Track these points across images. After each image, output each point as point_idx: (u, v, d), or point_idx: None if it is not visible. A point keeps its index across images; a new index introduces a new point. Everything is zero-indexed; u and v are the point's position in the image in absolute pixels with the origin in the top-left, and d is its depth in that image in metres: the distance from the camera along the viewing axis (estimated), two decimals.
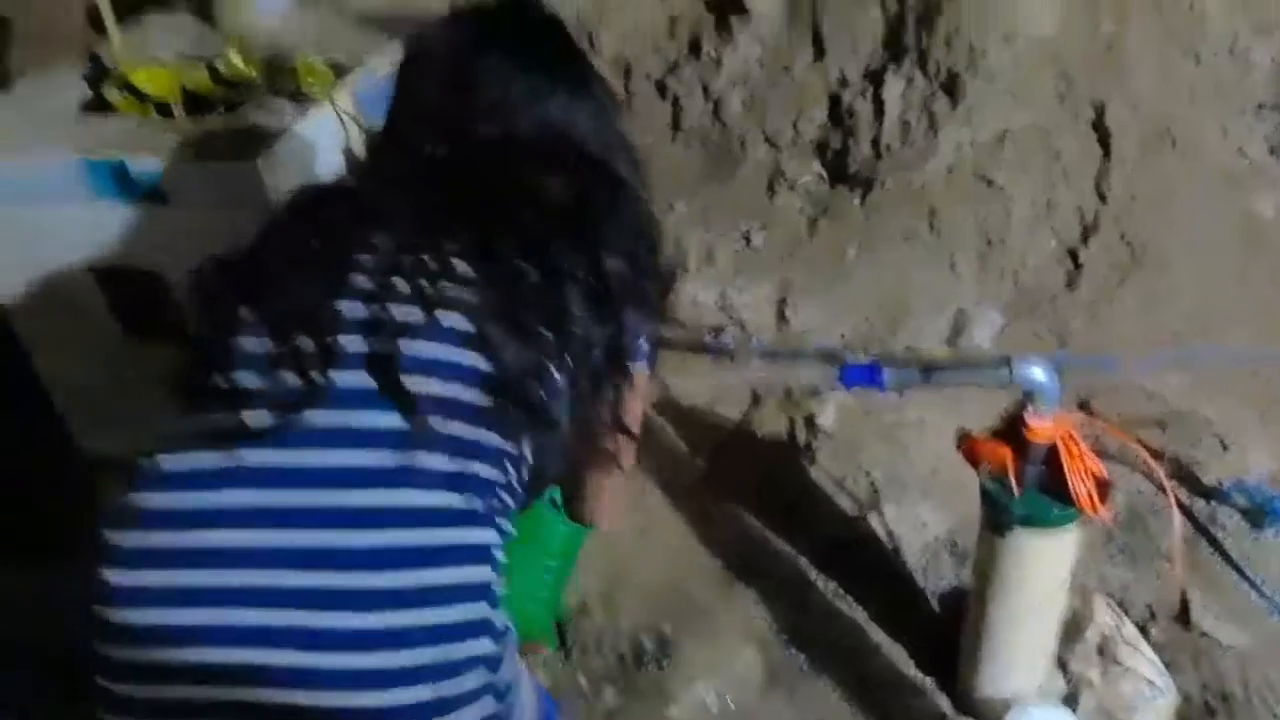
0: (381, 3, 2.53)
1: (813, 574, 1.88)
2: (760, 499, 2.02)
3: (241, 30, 2.08)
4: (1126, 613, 1.75)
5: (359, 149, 1.91)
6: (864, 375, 1.40)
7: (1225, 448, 1.91)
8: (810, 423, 2.14)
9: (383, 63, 2.02)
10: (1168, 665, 1.64)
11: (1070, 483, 1.38)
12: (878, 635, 1.77)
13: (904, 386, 1.39)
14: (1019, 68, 2.27)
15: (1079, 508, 1.38)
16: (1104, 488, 1.39)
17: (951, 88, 2.33)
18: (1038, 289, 2.24)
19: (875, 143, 2.44)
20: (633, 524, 1.97)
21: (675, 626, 1.78)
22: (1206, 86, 2.32)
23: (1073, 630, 1.65)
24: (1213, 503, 1.88)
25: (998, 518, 1.45)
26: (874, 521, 1.97)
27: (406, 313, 0.90)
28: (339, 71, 1.96)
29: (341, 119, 1.86)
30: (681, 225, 2.64)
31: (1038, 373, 1.36)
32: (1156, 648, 1.67)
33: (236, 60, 1.82)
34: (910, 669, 1.72)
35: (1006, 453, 1.43)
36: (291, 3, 2.22)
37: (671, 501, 2.02)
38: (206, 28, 2.13)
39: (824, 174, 2.55)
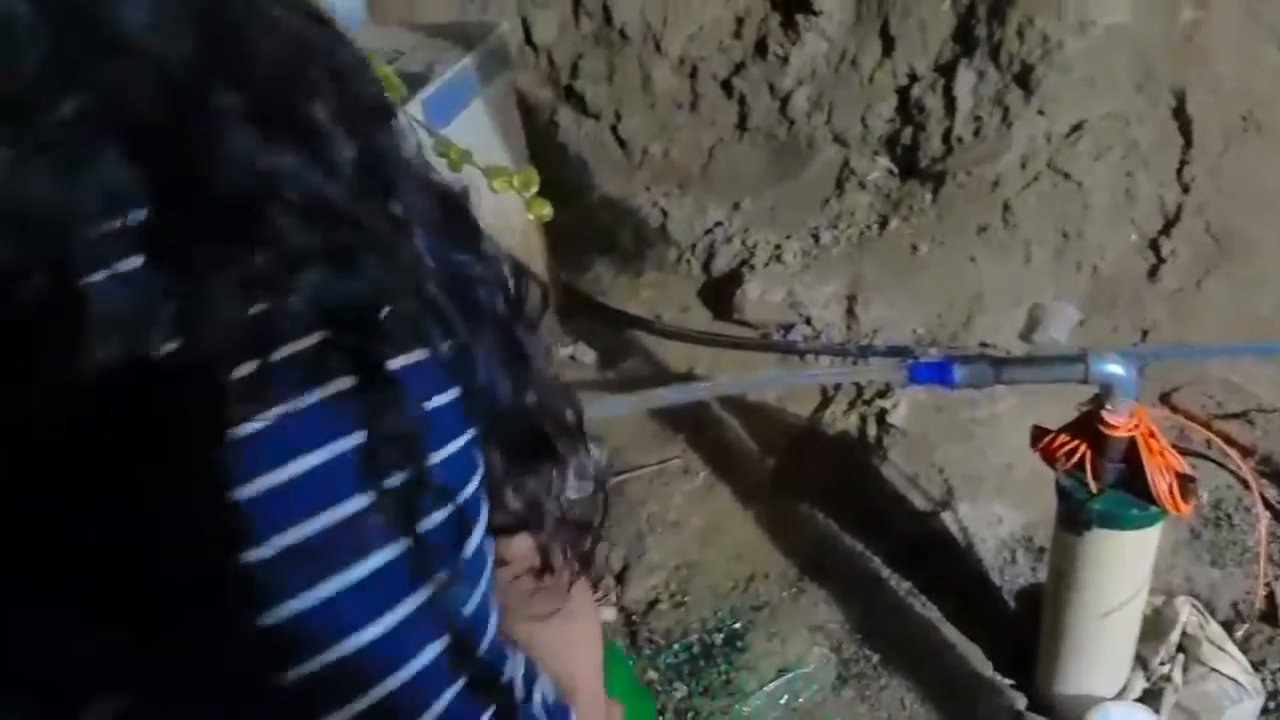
0: (449, 14, 2.59)
1: (885, 573, 1.87)
2: (831, 498, 2.01)
3: None
4: (1212, 612, 1.70)
5: (431, 155, 1.96)
6: (934, 373, 1.38)
7: None
8: (882, 420, 2.13)
9: (451, 72, 2.07)
10: (1254, 665, 1.59)
11: (1150, 479, 1.34)
12: (951, 634, 1.75)
13: (975, 384, 1.37)
14: (1094, 57, 2.22)
15: (1160, 505, 1.35)
16: (1186, 484, 1.36)
17: (1025, 79, 2.29)
18: (1117, 282, 2.20)
19: (946, 136, 2.41)
20: (702, 523, 1.98)
21: (745, 624, 1.78)
22: None
23: (1154, 629, 1.61)
24: None
25: (1075, 516, 1.42)
26: (948, 519, 1.94)
27: None
28: (410, 81, 2.01)
29: (414, 128, 1.92)
30: (749, 223, 2.64)
31: (1114, 367, 1.33)
32: (1243, 648, 1.62)
33: None
34: (985, 668, 1.70)
35: (1084, 449, 1.40)
36: (365, 15, 2.29)
37: (741, 501, 2.03)
38: None
39: (894, 169, 2.53)
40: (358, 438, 0.40)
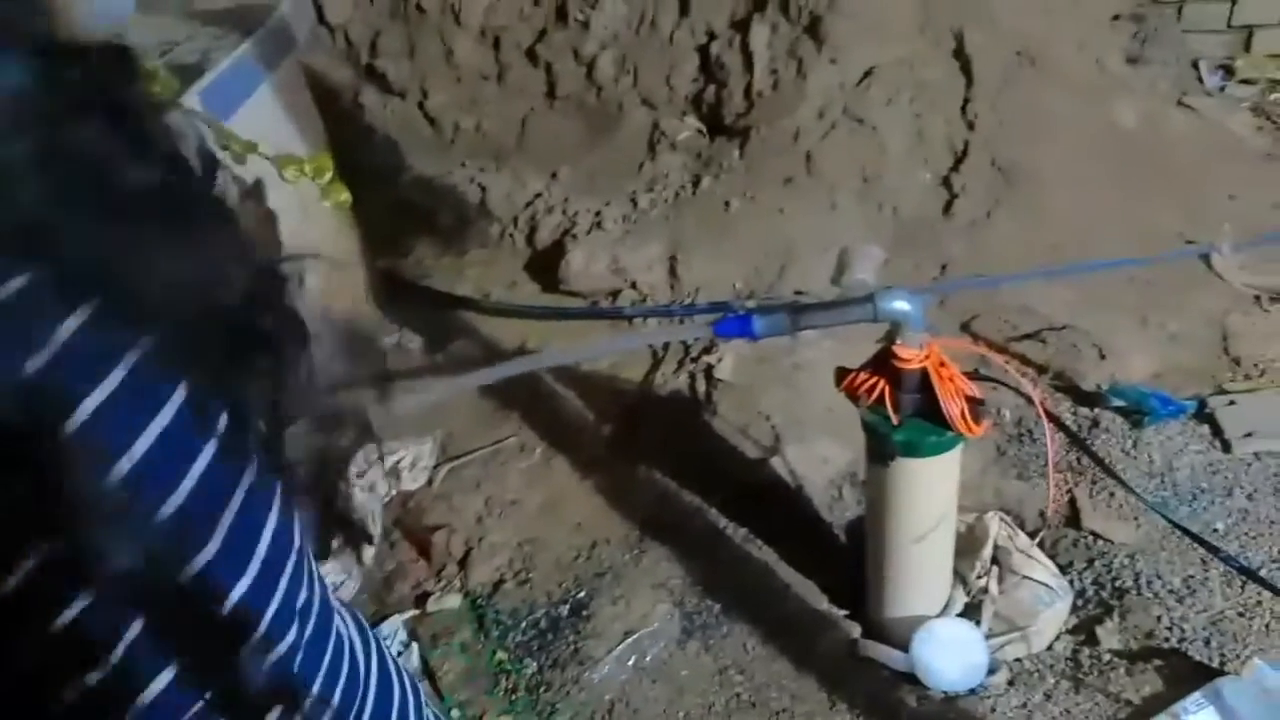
0: (228, 2, 2.46)
1: (722, 523, 1.91)
2: (667, 457, 2.04)
3: (85, 38, 2.01)
4: (1021, 523, 1.81)
5: (215, 149, 1.86)
6: (736, 326, 1.41)
7: (1103, 356, 1.97)
8: (709, 376, 2.17)
9: (229, 60, 1.97)
10: (1062, 569, 1.71)
11: (943, 406, 1.41)
12: (788, 574, 1.81)
13: (774, 333, 1.41)
14: (878, 3, 2.30)
15: (954, 430, 1.42)
16: (976, 406, 1.43)
17: (815, 29, 2.34)
18: (916, 220, 2.29)
19: (748, 92, 2.46)
20: (541, 498, 1.98)
21: (590, 592, 1.80)
22: (1061, 2, 2.37)
23: (968, 545, 1.70)
24: (1095, 409, 1.95)
25: (880, 449, 1.48)
26: (778, 464, 2.00)
27: None
28: (186, 74, 1.91)
29: (193, 121, 1.81)
30: (568, 192, 2.63)
31: (901, 303, 1.39)
32: (1050, 554, 1.73)
33: None
34: (821, 603, 1.76)
35: (882, 384, 1.46)
36: (135, 7, 2.15)
37: (579, 471, 2.03)
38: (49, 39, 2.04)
39: (702, 129, 2.56)
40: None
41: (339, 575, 1.85)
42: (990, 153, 2.29)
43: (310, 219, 2.17)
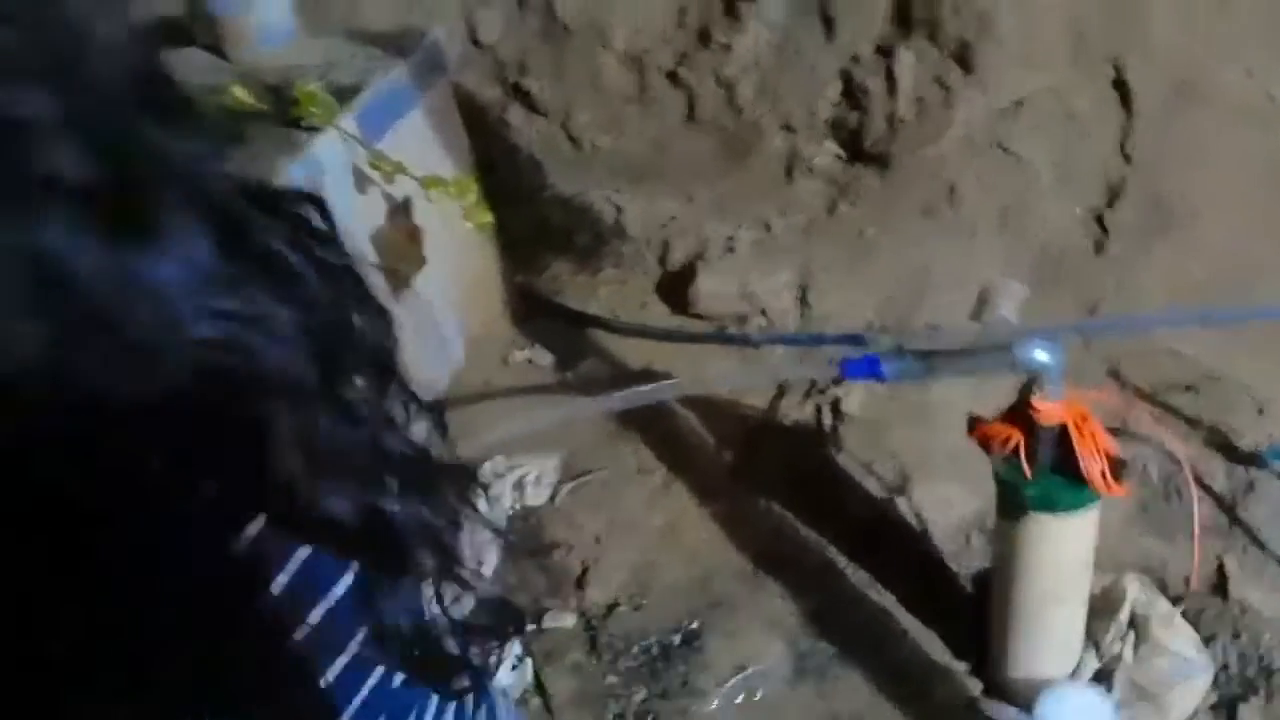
0: (390, 19, 2.57)
1: (841, 562, 1.88)
2: (787, 489, 2.02)
3: (249, 61, 2.13)
4: (1164, 587, 1.71)
5: (365, 168, 1.95)
6: (863, 368, 1.39)
7: (1261, 411, 1.85)
8: (836, 409, 2.13)
9: (384, 82, 2.06)
10: (1205, 640, 1.61)
11: (1082, 464, 1.35)
12: (907, 621, 1.76)
13: (904, 379, 1.38)
14: (1030, 31, 2.21)
15: (1092, 488, 1.35)
16: (1119, 466, 1.36)
17: (963, 57, 2.28)
18: (1063, 256, 2.20)
19: (890, 118, 2.40)
20: (659, 523, 1.99)
21: (703, 622, 1.79)
22: (1231, 33, 2.23)
23: (1104, 608, 1.62)
24: (1251, 469, 1.82)
25: (1011, 502, 1.43)
26: (903, 505, 1.95)
27: None
28: (344, 94, 2.00)
29: (346, 144, 1.90)
30: (702, 215, 2.63)
31: (1041, 354, 1.33)
32: (1192, 622, 1.63)
33: (240, 93, 1.87)
34: (941, 654, 1.71)
35: (1016, 436, 1.41)
36: (299, 29, 2.26)
37: (698, 497, 2.03)
38: (218, 61, 2.18)
39: (841, 154, 2.52)
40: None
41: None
42: (1146, 187, 2.18)
43: (452, 235, 2.24)
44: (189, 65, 2.17)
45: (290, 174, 1.75)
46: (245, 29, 2.13)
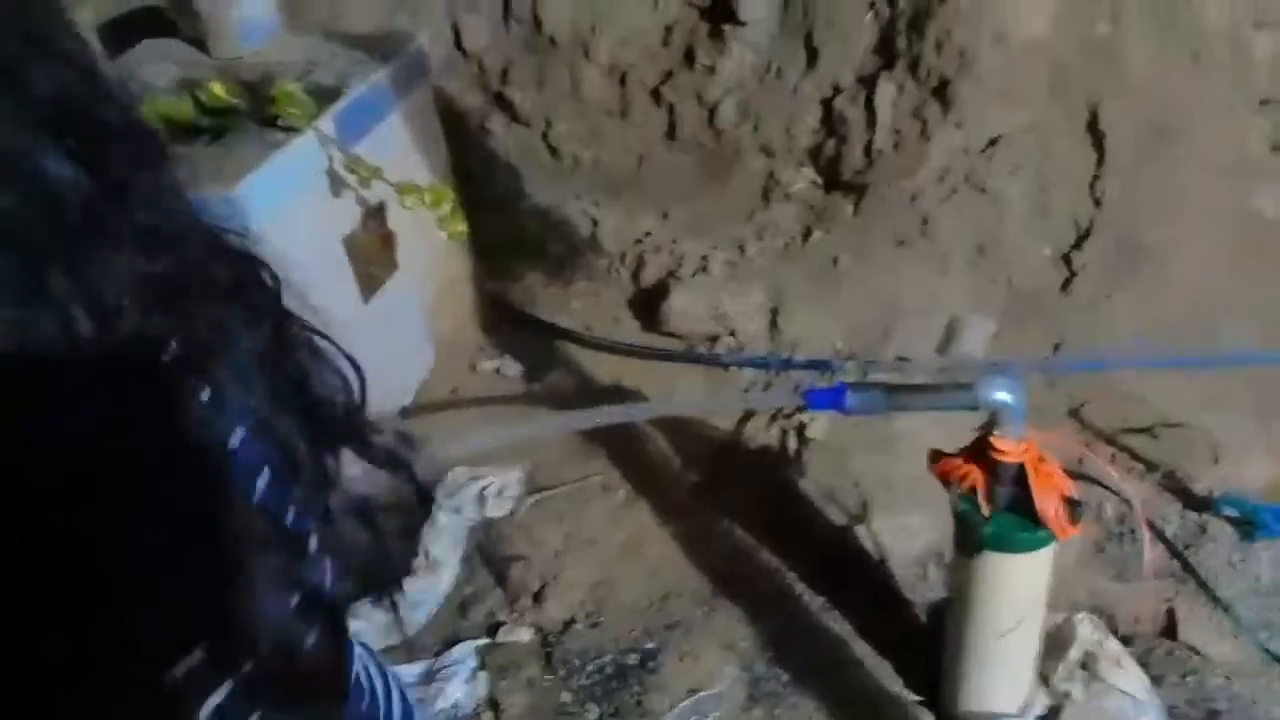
0: (373, 25, 2.56)
1: (800, 587, 1.88)
2: (750, 512, 2.02)
3: (230, 56, 2.12)
4: (1115, 627, 1.73)
5: (341, 171, 1.94)
6: (828, 399, 1.40)
7: (1218, 459, 1.88)
8: (801, 433, 2.14)
9: (364, 85, 2.05)
10: (1154, 680, 1.62)
11: (1038, 504, 1.36)
12: (863, 650, 1.77)
13: (867, 412, 1.39)
14: (1011, 70, 2.24)
15: (1048, 529, 1.37)
16: (1074, 508, 1.38)
17: (943, 93, 2.30)
18: (1031, 294, 2.22)
19: (868, 149, 2.42)
20: (620, 540, 1.98)
21: (659, 642, 1.79)
22: (1205, 83, 2.27)
23: (1055, 646, 1.63)
24: (1204, 514, 1.85)
25: (968, 539, 1.44)
26: (863, 533, 1.96)
27: None
28: (323, 95, 1.98)
29: (323, 146, 1.89)
30: (677, 233, 2.64)
31: (1003, 395, 1.35)
32: (1142, 663, 1.65)
33: (218, 89, 1.85)
34: (895, 685, 1.72)
35: (976, 473, 1.42)
36: (281, 27, 2.25)
37: (660, 515, 2.03)
38: (199, 54, 2.16)
39: (818, 181, 2.54)
40: None
41: (420, 595, 1.89)
42: (1117, 231, 2.21)
43: (425, 241, 2.23)
44: (169, 56, 2.15)
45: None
46: (228, 24, 2.11)
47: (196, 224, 0.47)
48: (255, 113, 1.89)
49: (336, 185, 1.95)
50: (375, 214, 2.09)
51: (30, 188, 0.37)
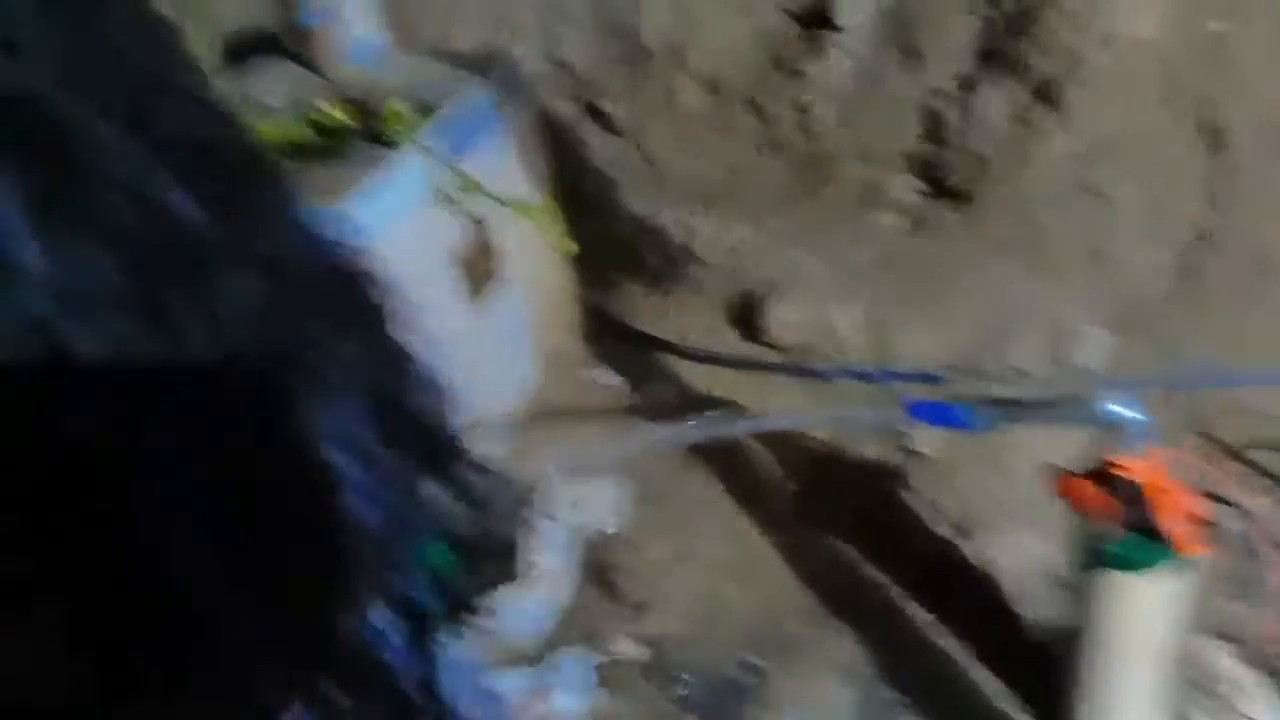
0: (474, 42, 2.61)
1: (908, 605, 1.85)
2: (854, 527, 2.00)
3: (339, 76, 2.18)
4: (1249, 654, 1.66)
5: (446, 186, 1.98)
6: (936, 414, 1.37)
7: None
8: (906, 446, 2.10)
9: (465, 100, 2.09)
10: None
11: (1163, 522, 1.32)
12: (977, 672, 1.73)
13: (977, 429, 1.35)
14: (1120, 71, 2.17)
15: (1173, 548, 1.32)
16: (1202, 526, 1.33)
17: (1049, 95, 2.24)
18: (1149, 303, 2.14)
19: (972, 154, 2.37)
20: (724, 554, 1.98)
21: (767, 660, 1.78)
22: None
23: (1184, 672, 1.57)
24: None
25: (1090, 559, 1.40)
26: (972, 550, 1.92)
27: None
28: (429, 112, 2.03)
29: (429, 162, 1.93)
30: (775, 242, 2.62)
31: (1123, 409, 1.30)
32: (1278, 689, 1.57)
33: (330, 108, 1.91)
34: (1009, 706, 1.67)
35: (1096, 491, 1.37)
36: (388, 46, 2.31)
37: (764, 531, 2.02)
38: (310, 74, 2.23)
39: (920, 188, 2.49)
40: None
41: (528, 606, 1.91)
42: (1239, 235, 2.12)
43: (527, 253, 2.27)
44: (281, 76, 2.22)
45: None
46: (338, 44, 2.17)
47: (311, 243, 0.49)
48: (364, 130, 1.95)
49: (442, 200, 1.99)
50: (479, 227, 2.13)
51: (153, 218, 0.38)
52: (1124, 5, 2.14)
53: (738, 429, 2.00)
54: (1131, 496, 1.34)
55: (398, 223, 1.85)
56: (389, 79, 2.17)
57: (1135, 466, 1.32)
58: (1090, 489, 1.37)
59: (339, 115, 1.92)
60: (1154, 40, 2.14)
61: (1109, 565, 1.37)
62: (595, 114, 2.94)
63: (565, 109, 2.95)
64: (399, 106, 1.94)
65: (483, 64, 2.24)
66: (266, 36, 2.41)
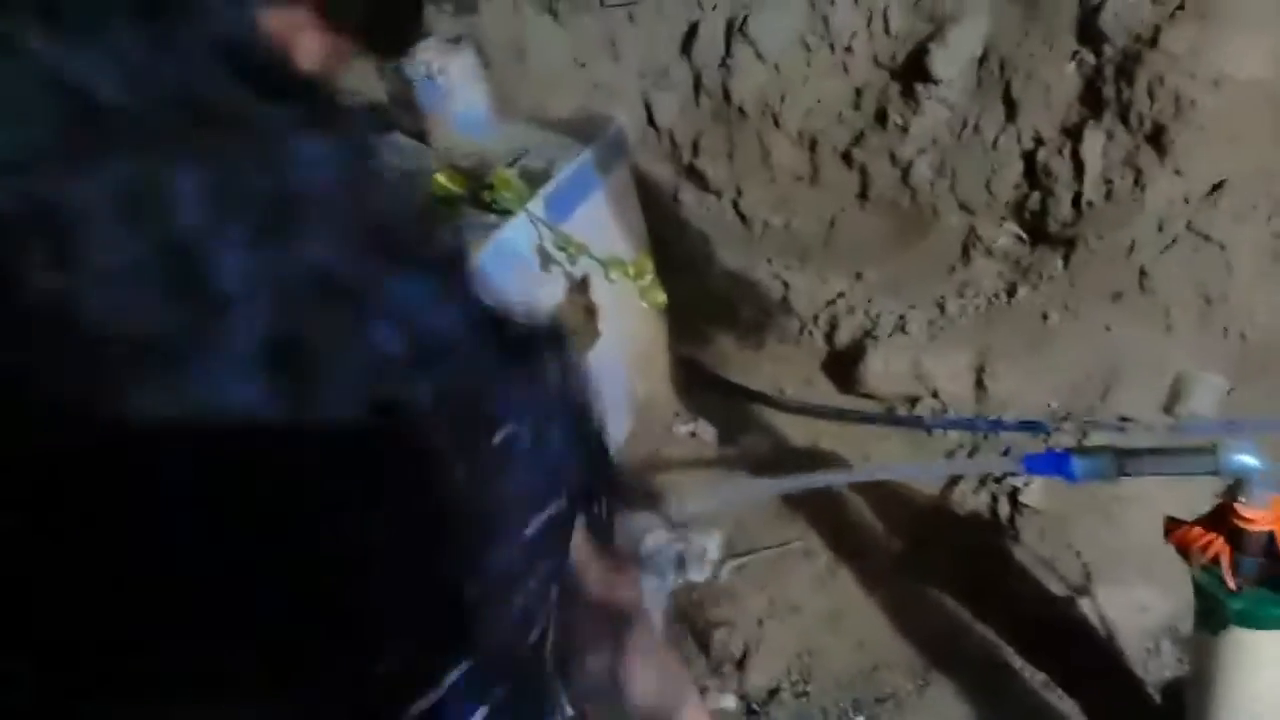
0: (574, 103, 2.70)
1: (1017, 663, 1.79)
2: (960, 582, 1.95)
3: (448, 145, 2.28)
4: None
5: (551, 249, 2.05)
6: (1050, 464, 1.34)
7: None
8: (1014, 499, 2.05)
9: (570, 167, 2.16)
10: None
11: None
12: None
13: (1095, 478, 1.32)
14: (1231, 113, 2.12)
15: None
16: None
17: (1158, 139, 2.20)
18: (1268, 347, 2.06)
19: (1076, 201, 2.34)
20: (824, 608, 1.96)
21: (869, 716, 1.74)
22: None
23: None
24: None
25: (1212, 615, 1.34)
26: (1086, 606, 1.85)
27: None
28: (533, 178, 2.11)
29: (535, 226, 2.01)
30: (872, 294, 2.62)
31: (1247, 458, 1.26)
32: None
33: (443, 179, 2.00)
34: None
35: (1219, 543, 1.32)
36: (492, 115, 2.41)
37: (865, 583, 1.99)
38: (420, 146, 2.34)
39: (1022, 236, 2.46)
40: None
41: None
42: None
43: (623, 309, 2.31)
44: (393, 150, 2.34)
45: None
46: (447, 117, 2.28)
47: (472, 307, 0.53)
48: (473, 198, 2.04)
49: (546, 262, 2.06)
50: (580, 287, 2.19)
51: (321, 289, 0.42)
52: (1232, 45, 2.10)
53: (837, 480, 1.99)
54: (1257, 548, 1.29)
55: (503, 284, 1.92)
56: (495, 148, 2.26)
57: (1261, 516, 1.27)
58: (1210, 540, 1.32)
59: (449, 184, 2.01)
60: (1264, 79, 2.09)
61: (1232, 622, 1.31)
62: (692, 174, 3.00)
63: (662, 170, 3.02)
64: (505, 174, 2.02)
65: (584, 130, 2.32)
66: (377, 112, 2.54)
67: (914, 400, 2.39)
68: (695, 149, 2.97)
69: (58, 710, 0.37)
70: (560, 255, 2.02)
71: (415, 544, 0.44)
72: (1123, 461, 1.32)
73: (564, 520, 0.54)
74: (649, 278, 2.03)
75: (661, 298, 2.09)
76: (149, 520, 0.37)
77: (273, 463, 0.39)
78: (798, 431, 2.42)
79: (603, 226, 2.23)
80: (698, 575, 2.10)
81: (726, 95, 2.90)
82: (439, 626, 0.45)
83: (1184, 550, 1.37)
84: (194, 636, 0.38)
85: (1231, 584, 1.30)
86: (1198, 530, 1.35)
